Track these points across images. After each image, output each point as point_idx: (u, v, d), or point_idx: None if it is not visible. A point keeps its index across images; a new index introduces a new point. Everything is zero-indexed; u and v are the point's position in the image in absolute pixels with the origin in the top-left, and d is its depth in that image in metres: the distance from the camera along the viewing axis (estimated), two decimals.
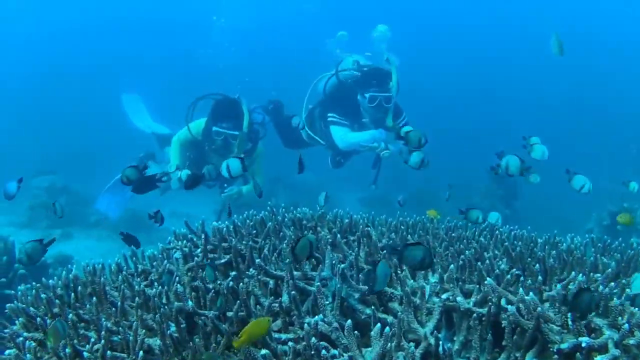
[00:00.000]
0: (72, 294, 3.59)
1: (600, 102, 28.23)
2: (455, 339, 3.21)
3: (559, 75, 27.56)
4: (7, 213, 12.72)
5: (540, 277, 3.40)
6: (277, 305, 3.31)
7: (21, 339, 3.17)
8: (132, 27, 32.99)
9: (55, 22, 33.07)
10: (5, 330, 3.34)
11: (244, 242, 4.12)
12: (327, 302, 3.25)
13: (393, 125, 8.47)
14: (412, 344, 2.93)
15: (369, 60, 9.09)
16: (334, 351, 2.91)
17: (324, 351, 2.79)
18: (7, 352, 3.08)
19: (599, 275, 3.61)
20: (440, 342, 2.92)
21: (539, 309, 2.93)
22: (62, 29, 32.76)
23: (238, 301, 3.21)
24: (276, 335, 3.10)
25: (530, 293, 3.08)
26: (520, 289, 3.13)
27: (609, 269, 3.68)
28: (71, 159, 12.61)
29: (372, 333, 2.89)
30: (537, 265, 3.63)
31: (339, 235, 4.16)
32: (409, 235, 4.37)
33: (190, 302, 3.27)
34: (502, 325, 3.06)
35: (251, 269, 3.66)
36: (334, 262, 3.65)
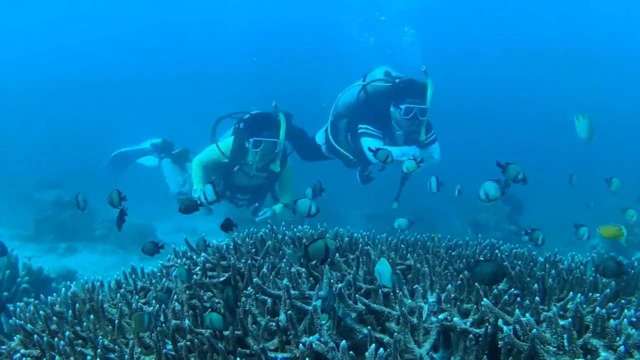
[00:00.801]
0: (70, 311, 3.60)
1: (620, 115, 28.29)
2: (452, 359, 3.20)
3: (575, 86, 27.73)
4: (13, 226, 12.78)
5: (537, 298, 3.38)
6: (274, 324, 3.32)
7: (18, 355, 3.18)
8: (139, 38, 33.19)
9: (59, 34, 33.23)
10: (2, 347, 3.35)
11: (242, 260, 4.12)
12: (324, 322, 3.24)
13: (423, 139, 8.36)
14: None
15: (399, 72, 8.86)
16: None
17: None
18: None
19: (598, 295, 3.60)
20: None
21: (534, 330, 2.91)
22: (65, 40, 32.92)
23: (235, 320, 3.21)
24: (272, 355, 3.10)
25: (527, 314, 3.07)
26: (517, 310, 3.12)
27: (607, 290, 3.67)
28: (76, 173, 12.63)
29: (367, 354, 2.88)
30: (536, 285, 3.62)
31: (337, 255, 4.16)
32: (409, 255, 4.36)
33: (187, 321, 3.27)
34: (499, 346, 3.06)
35: (249, 288, 3.66)
36: (332, 281, 3.64)
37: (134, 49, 32.80)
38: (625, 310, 3.35)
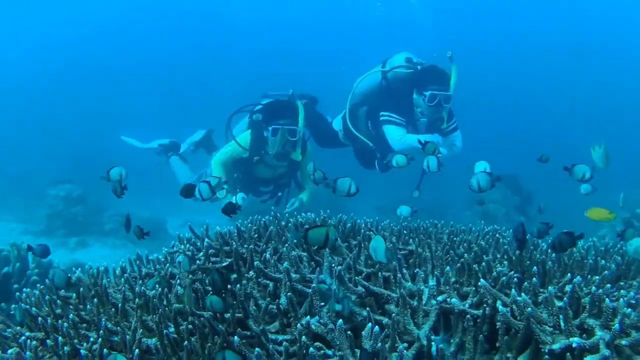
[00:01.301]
0: (74, 295, 3.65)
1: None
2: (452, 341, 3.23)
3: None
4: (24, 221, 12.88)
5: (535, 280, 3.41)
6: (274, 307, 3.36)
7: (23, 338, 3.23)
8: (145, 31, 33.26)
9: (68, 27, 33.28)
10: (8, 330, 3.40)
11: (245, 245, 4.16)
12: (323, 304, 3.28)
13: (444, 128, 8.32)
14: (405, 344, 2.97)
15: (420, 58, 8.65)
16: (328, 351, 2.94)
17: (312, 348, 2.82)
18: (9, 350, 3.13)
19: (597, 277, 3.62)
20: (433, 343, 2.93)
21: (529, 309, 2.94)
22: (73, 33, 32.97)
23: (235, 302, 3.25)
24: (273, 337, 3.13)
25: (523, 294, 3.10)
26: (513, 290, 3.15)
27: (606, 271, 3.69)
28: (87, 168, 12.72)
29: (363, 333, 2.92)
30: (535, 268, 3.65)
31: (339, 239, 4.19)
32: (411, 240, 4.39)
33: (185, 301, 3.32)
34: (497, 327, 3.08)
35: (250, 272, 3.70)
36: (333, 265, 3.68)
37: (140, 41, 32.84)
38: (622, 291, 3.38)
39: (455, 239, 4.60)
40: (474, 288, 3.45)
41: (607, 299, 2.99)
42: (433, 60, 8.43)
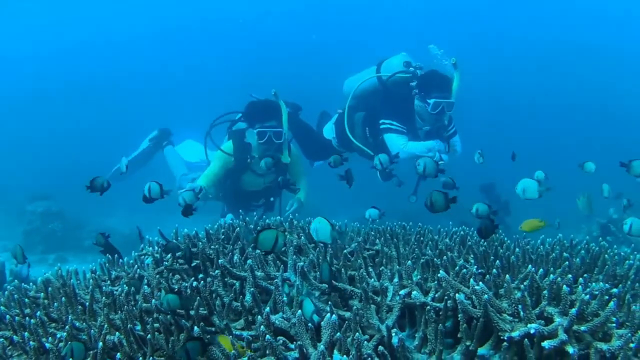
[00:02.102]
0: (42, 294, 3.68)
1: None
2: (416, 335, 3.26)
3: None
4: (2, 238, 12.79)
5: (495, 271, 3.45)
6: (239, 304, 3.38)
7: None
8: (126, 45, 33.35)
9: (42, 44, 33.35)
10: None
11: (212, 247, 4.19)
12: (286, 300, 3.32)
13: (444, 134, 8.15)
14: (366, 335, 3.00)
15: (418, 61, 8.44)
16: (291, 345, 2.97)
17: (268, 336, 2.84)
18: None
19: (559, 270, 3.67)
20: (394, 334, 2.96)
21: (486, 296, 2.98)
22: (49, 49, 33.01)
23: (198, 298, 3.27)
24: (237, 333, 3.16)
25: (481, 283, 3.14)
26: (472, 280, 3.19)
27: (567, 262, 3.75)
28: (65, 184, 12.68)
29: (323, 323, 2.95)
30: (498, 262, 3.69)
31: (302, 237, 4.24)
32: (377, 240, 4.43)
33: (154, 301, 3.34)
34: (459, 319, 3.12)
35: (216, 270, 3.73)
36: (297, 263, 3.71)
37: (124, 56, 32.97)
38: (580, 279, 3.43)
39: (422, 239, 4.65)
40: (436, 282, 3.49)
41: (565, 286, 3.04)
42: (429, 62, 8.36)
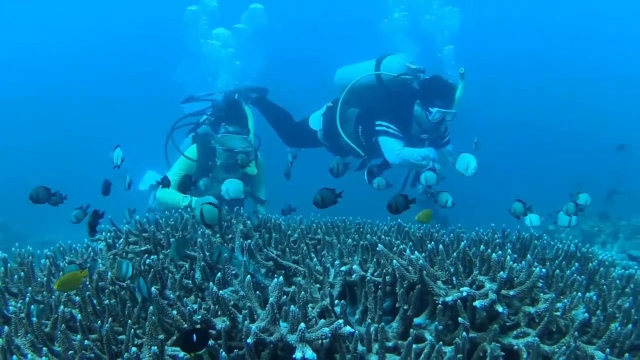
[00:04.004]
0: (2, 268, 3.75)
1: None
2: (356, 312, 3.43)
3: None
4: None
5: (430, 246, 3.62)
6: (190, 281, 3.53)
7: None
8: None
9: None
10: None
11: (162, 232, 4.32)
12: (235, 274, 3.48)
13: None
14: (311, 304, 3.16)
15: (420, 64, 8.05)
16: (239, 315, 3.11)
17: (222, 291, 2.98)
18: None
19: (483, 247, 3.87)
20: (336, 305, 3.13)
21: (421, 261, 3.17)
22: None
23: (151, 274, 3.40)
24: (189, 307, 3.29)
25: (416, 252, 3.33)
26: (408, 250, 3.38)
27: (498, 239, 3.98)
28: (8, 196, 12.58)
29: (270, 287, 3.11)
30: (433, 243, 3.88)
31: (249, 222, 4.40)
32: (319, 230, 4.60)
33: (109, 273, 3.45)
34: (397, 291, 3.30)
35: (167, 250, 3.88)
36: (243, 245, 3.87)
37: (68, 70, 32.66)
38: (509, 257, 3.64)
39: (362, 230, 4.82)
40: (375, 261, 3.67)
41: (494, 254, 3.25)
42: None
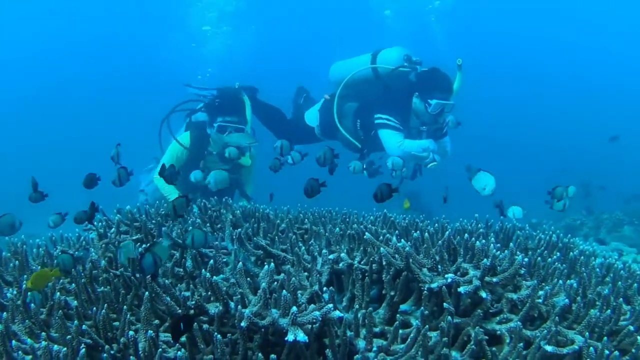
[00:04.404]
0: None
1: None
2: (343, 299, 3.52)
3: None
4: None
5: (415, 234, 3.71)
6: (181, 270, 3.61)
7: None
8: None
9: None
10: None
11: (153, 221, 4.39)
12: (225, 262, 3.56)
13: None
14: (301, 292, 3.24)
15: (418, 56, 8.00)
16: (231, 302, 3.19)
17: (215, 277, 3.05)
18: None
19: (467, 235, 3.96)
20: (325, 292, 3.21)
21: (408, 248, 3.26)
22: None
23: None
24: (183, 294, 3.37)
25: (402, 240, 3.42)
26: (394, 238, 3.47)
27: (482, 229, 4.08)
28: None
29: (261, 274, 3.20)
30: (418, 232, 3.95)
31: (238, 211, 4.48)
32: (306, 219, 4.68)
33: (102, 262, 3.53)
34: (384, 279, 3.39)
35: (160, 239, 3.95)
36: (233, 235, 3.95)
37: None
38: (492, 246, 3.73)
39: (347, 220, 4.90)
40: (362, 250, 3.76)
41: (477, 242, 3.34)
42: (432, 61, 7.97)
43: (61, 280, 3.45)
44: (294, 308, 2.65)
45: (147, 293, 2.91)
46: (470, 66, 7.93)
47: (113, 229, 4.29)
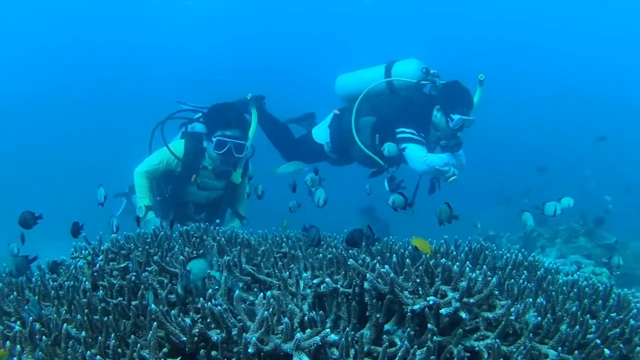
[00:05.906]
0: None
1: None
2: (327, 320, 3.72)
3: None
4: None
5: (395, 259, 3.92)
6: (173, 296, 3.79)
7: None
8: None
9: None
10: None
11: (139, 249, 4.53)
12: (217, 289, 3.74)
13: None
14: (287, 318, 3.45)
15: (434, 68, 7.94)
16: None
17: (219, 308, 3.25)
18: None
19: (443, 260, 4.18)
20: (314, 313, 3.42)
21: (392, 274, 3.48)
22: None
23: (141, 291, 3.63)
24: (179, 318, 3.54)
25: (386, 266, 3.62)
26: (377, 264, 3.69)
27: (462, 254, 4.33)
28: None
29: (257, 301, 3.38)
30: (395, 256, 4.15)
31: (223, 239, 4.65)
32: (283, 243, 4.86)
33: (100, 292, 3.67)
34: (366, 301, 3.60)
35: (152, 266, 4.11)
36: (219, 262, 4.14)
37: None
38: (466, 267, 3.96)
39: (323, 243, 5.08)
40: (344, 272, 3.97)
41: (454, 266, 3.58)
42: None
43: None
44: (299, 334, 2.87)
45: (154, 323, 3.08)
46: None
47: (101, 256, 4.42)
